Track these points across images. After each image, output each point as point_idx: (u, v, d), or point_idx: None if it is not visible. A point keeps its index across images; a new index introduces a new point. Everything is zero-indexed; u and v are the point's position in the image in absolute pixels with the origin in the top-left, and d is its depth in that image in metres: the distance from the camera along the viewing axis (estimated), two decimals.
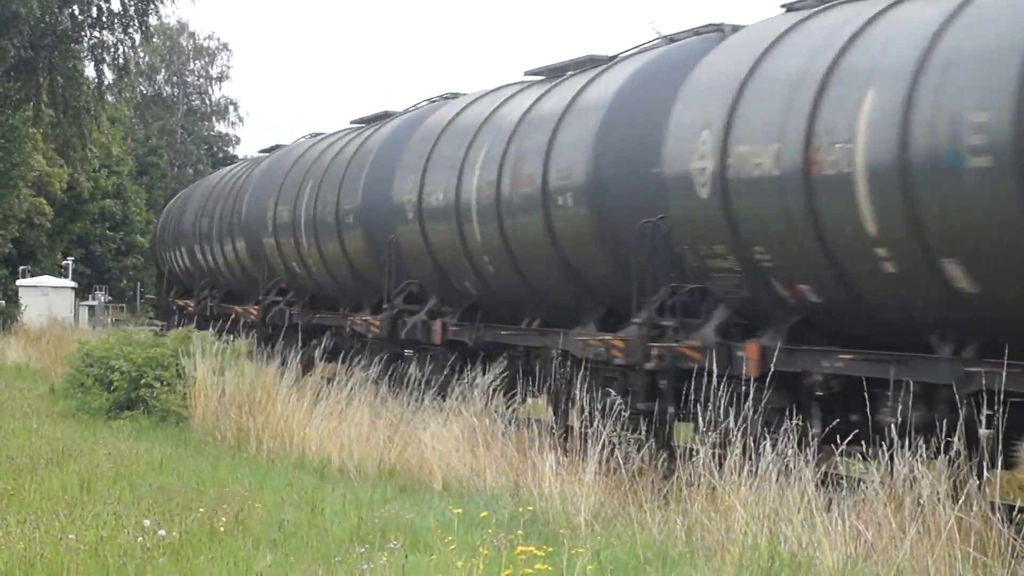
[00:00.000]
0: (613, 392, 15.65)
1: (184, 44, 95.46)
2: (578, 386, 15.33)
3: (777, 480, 10.80)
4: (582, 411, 14.80)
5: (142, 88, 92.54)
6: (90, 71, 37.15)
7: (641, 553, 10.17)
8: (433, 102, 26.95)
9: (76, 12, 36.05)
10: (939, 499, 10.09)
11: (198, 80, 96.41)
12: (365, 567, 9.17)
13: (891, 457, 10.43)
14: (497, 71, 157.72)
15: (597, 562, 9.48)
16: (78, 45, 35.87)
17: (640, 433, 14.81)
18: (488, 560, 9.21)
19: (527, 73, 22.41)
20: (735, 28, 17.38)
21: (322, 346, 23.50)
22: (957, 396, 11.98)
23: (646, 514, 11.44)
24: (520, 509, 11.53)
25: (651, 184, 16.44)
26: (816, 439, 10.94)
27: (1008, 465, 12.27)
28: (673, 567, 9.69)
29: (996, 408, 11.05)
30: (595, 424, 13.58)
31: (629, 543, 10.50)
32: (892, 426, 11.71)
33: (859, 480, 11.13)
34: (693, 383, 14.19)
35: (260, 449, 17.13)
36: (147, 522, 10.88)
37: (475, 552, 9.47)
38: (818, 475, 11.08)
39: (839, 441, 12.43)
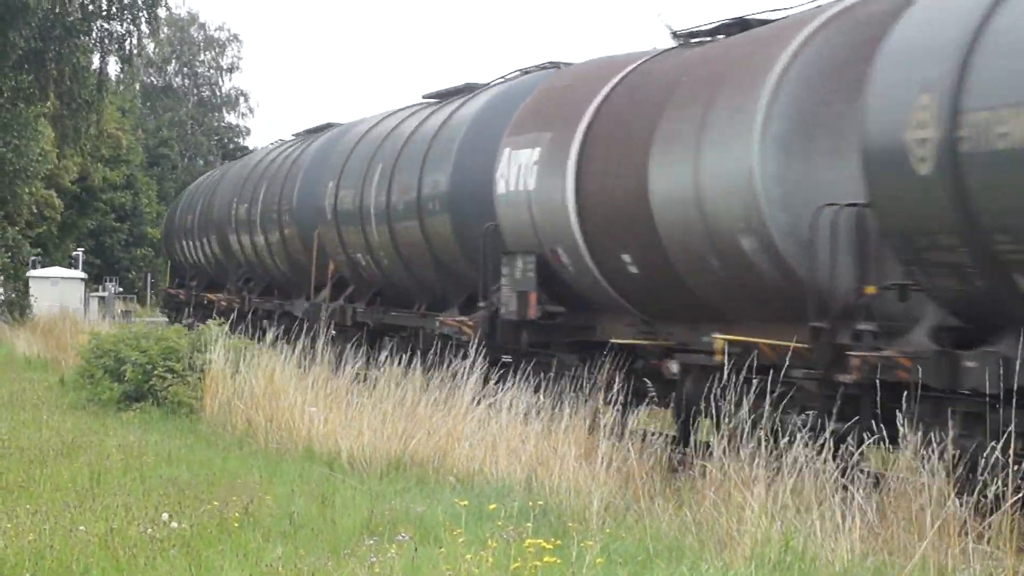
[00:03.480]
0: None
1: (195, 35, 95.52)
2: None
3: (787, 473, 10.78)
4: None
5: (152, 79, 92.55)
6: (96, 63, 37.10)
7: (651, 546, 10.15)
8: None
9: (86, 2, 36.01)
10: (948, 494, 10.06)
11: (208, 71, 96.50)
12: (374, 560, 9.16)
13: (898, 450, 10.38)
14: (513, 63, 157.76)
15: (606, 555, 9.45)
16: (87, 37, 35.79)
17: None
18: (497, 552, 9.20)
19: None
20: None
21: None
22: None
23: (656, 507, 11.42)
24: (531, 503, 11.50)
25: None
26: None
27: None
28: (683, 560, 9.66)
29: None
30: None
31: (639, 536, 10.47)
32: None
33: (868, 472, 11.09)
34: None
35: (270, 440, 17.11)
36: (165, 515, 10.89)
37: (484, 545, 9.46)
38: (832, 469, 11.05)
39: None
